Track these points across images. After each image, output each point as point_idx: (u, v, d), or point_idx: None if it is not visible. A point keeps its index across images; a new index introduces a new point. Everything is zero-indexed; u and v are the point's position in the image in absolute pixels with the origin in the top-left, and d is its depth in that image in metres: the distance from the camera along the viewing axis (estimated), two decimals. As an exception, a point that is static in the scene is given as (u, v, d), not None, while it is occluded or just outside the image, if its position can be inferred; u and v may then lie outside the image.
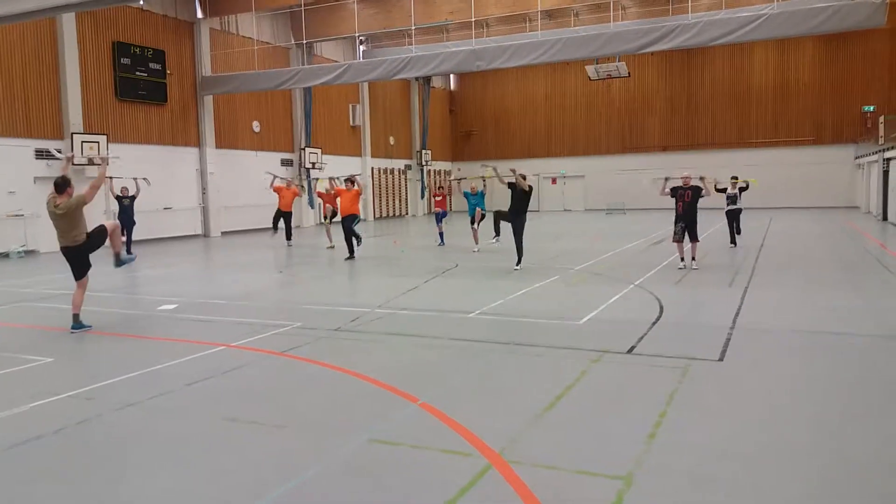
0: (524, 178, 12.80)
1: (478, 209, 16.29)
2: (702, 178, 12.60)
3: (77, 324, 8.07)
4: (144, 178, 17.85)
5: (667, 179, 12.89)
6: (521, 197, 12.76)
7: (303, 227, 28.20)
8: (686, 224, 12.32)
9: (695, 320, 8.25)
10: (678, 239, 12.47)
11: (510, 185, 12.90)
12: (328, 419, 4.93)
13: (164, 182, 22.86)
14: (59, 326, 8.42)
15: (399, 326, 7.98)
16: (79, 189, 8.37)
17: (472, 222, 16.51)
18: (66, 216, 7.99)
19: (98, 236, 8.29)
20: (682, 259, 12.59)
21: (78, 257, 8.19)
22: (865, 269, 12.35)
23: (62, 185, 8.09)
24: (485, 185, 16.52)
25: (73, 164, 19.12)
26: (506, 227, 13.27)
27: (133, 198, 17.41)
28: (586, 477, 3.85)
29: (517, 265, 12.78)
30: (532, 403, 5.08)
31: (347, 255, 15.46)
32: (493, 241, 13.66)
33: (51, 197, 8.09)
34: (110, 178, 16.71)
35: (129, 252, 17.79)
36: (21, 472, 4.12)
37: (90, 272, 8.34)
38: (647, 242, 17.69)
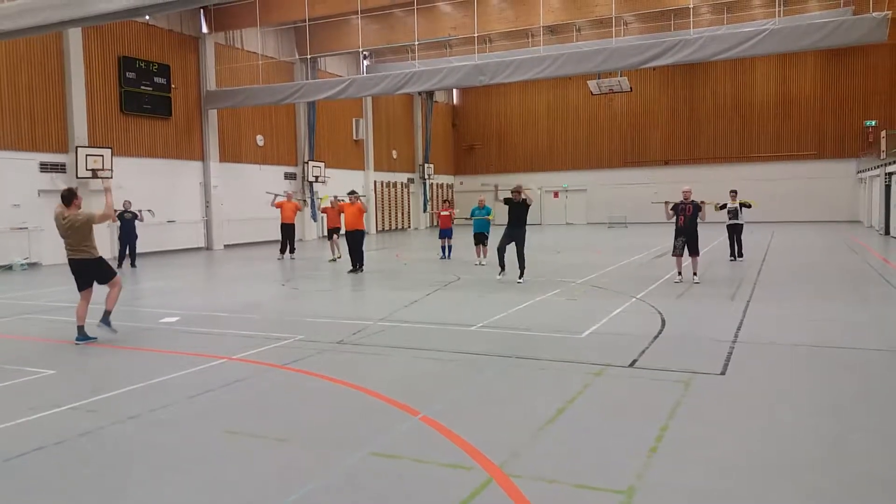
0: (519, 192, 12.84)
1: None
2: (702, 203, 12.65)
3: (105, 319, 8.12)
4: (150, 210, 18.20)
5: (667, 203, 12.92)
6: (518, 209, 12.80)
7: (305, 241, 28.24)
8: (687, 238, 12.39)
9: (697, 334, 8.23)
10: (678, 253, 12.53)
11: (505, 200, 12.97)
12: (329, 432, 4.93)
13: (168, 195, 23.00)
14: (62, 339, 8.44)
15: (401, 339, 7.98)
16: (87, 204, 8.38)
17: (477, 242, 16.38)
18: (74, 229, 8.00)
19: (109, 271, 8.30)
20: (679, 273, 12.62)
21: (95, 268, 8.18)
22: (867, 282, 12.33)
23: (68, 196, 8.12)
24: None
25: (85, 171, 19.31)
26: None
27: (134, 215, 17.55)
28: (587, 491, 3.84)
29: (520, 278, 12.79)
30: (533, 417, 5.08)
31: (351, 268, 15.48)
32: (500, 276, 13.04)
33: (59, 209, 8.11)
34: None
35: (132, 264, 17.98)
36: (21, 484, 4.12)
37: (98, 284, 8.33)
38: (648, 256, 17.68)
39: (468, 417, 5.16)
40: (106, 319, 8.11)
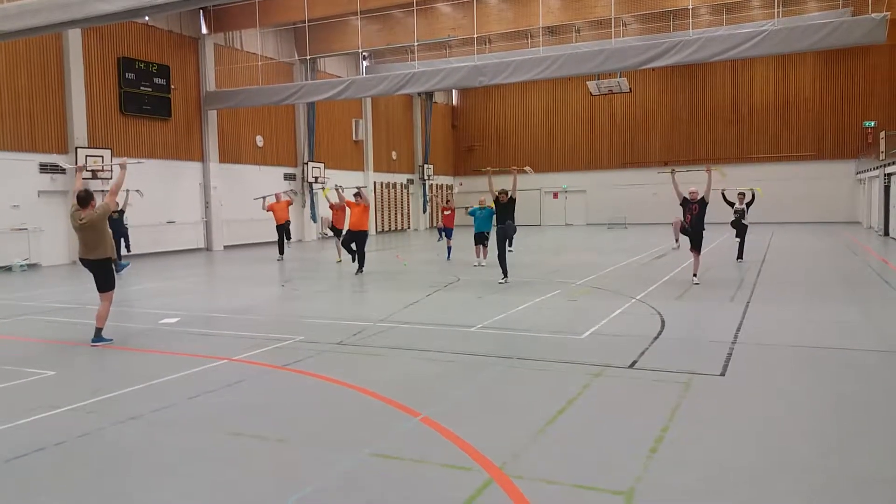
0: (506, 194, 13.05)
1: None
2: (708, 170, 12.62)
3: (98, 337, 8.09)
4: (137, 190, 17.88)
5: (674, 171, 13.03)
6: (506, 208, 13.01)
7: (305, 241, 28.24)
8: (691, 235, 12.47)
9: (696, 335, 8.25)
10: (680, 225, 12.61)
11: (494, 201, 13.21)
12: (330, 433, 4.93)
13: (168, 196, 22.99)
14: (62, 340, 8.44)
15: (401, 340, 7.98)
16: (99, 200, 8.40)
17: (478, 242, 16.37)
18: (92, 228, 8.00)
19: (111, 280, 8.28)
20: (677, 240, 12.93)
21: (102, 271, 8.20)
22: (867, 284, 12.34)
23: (85, 198, 8.09)
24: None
25: (85, 172, 19.30)
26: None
27: (122, 212, 17.50)
28: (588, 491, 3.84)
29: (510, 247, 12.86)
30: (534, 418, 5.08)
31: (357, 268, 15.27)
32: (502, 281, 12.94)
33: (74, 210, 8.08)
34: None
35: (119, 260, 17.90)
36: (21, 485, 4.12)
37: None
38: (648, 257, 17.69)
39: (468, 418, 5.16)
40: (98, 337, 8.09)
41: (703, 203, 12.38)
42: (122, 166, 8.60)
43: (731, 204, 16.36)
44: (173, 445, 4.73)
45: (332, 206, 18.05)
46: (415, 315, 9.68)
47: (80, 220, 8.01)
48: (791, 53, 28.88)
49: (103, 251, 8.14)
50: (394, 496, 3.82)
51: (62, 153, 19.74)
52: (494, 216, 13.53)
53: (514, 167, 13.39)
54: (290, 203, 20.31)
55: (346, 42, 26.99)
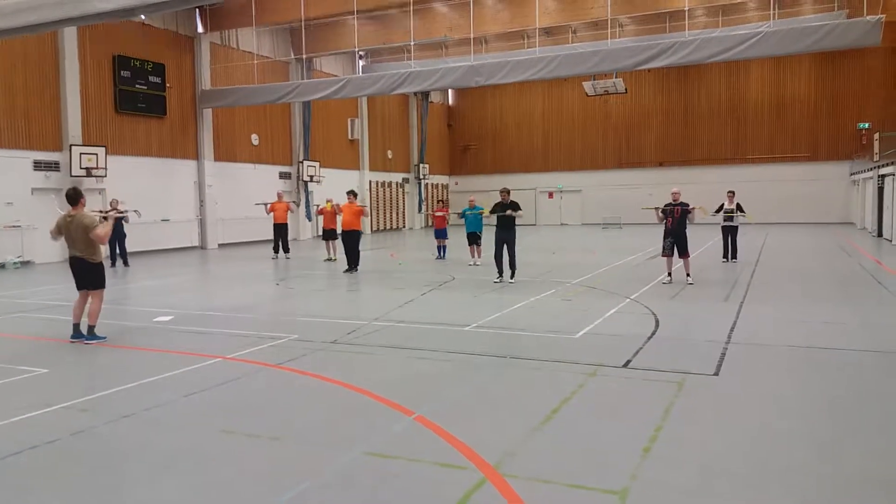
0: (508, 193, 13.08)
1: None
2: (692, 208, 12.63)
3: (91, 335, 8.06)
4: (136, 211, 17.96)
5: (657, 209, 12.97)
6: (506, 215, 12.94)
7: (300, 241, 28.20)
8: (675, 239, 12.45)
9: (690, 335, 8.26)
10: (667, 254, 12.60)
11: (492, 210, 13.13)
12: (324, 431, 4.93)
13: (162, 194, 22.93)
14: (55, 337, 8.41)
15: (395, 339, 7.98)
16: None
17: (471, 242, 16.37)
18: (79, 229, 7.98)
19: (101, 280, 8.27)
20: (669, 274, 12.66)
21: (91, 272, 8.16)
22: (860, 285, 12.39)
23: (74, 196, 8.06)
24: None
25: (79, 170, 19.30)
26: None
27: (121, 218, 17.45)
28: (581, 491, 3.85)
29: (511, 278, 12.86)
30: (528, 417, 5.09)
31: (346, 267, 15.47)
32: (497, 280, 12.93)
33: (63, 215, 8.11)
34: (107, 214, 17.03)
35: (125, 263, 17.92)
36: (14, 483, 4.11)
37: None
38: (643, 257, 17.72)
39: (463, 417, 5.17)
40: (92, 335, 8.07)
41: (684, 208, 12.42)
42: (110, 219, 8.59)
43: (721, 207, 16.32)
44: (167, 443, 4.73)
45: (321, 212, 18.12)
46: (409, 314, 9.68)
47: (69, 217, 7.99)
48: (786, 55, 28.96)
49: (91, 254, 8.10)
50: (387, 495, 3.82)
51: (57, 151, 19.66)
52: (492, 216, 13.43)
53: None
54: (289, 209, 20.28)
55: (343, 41, 26.94)
